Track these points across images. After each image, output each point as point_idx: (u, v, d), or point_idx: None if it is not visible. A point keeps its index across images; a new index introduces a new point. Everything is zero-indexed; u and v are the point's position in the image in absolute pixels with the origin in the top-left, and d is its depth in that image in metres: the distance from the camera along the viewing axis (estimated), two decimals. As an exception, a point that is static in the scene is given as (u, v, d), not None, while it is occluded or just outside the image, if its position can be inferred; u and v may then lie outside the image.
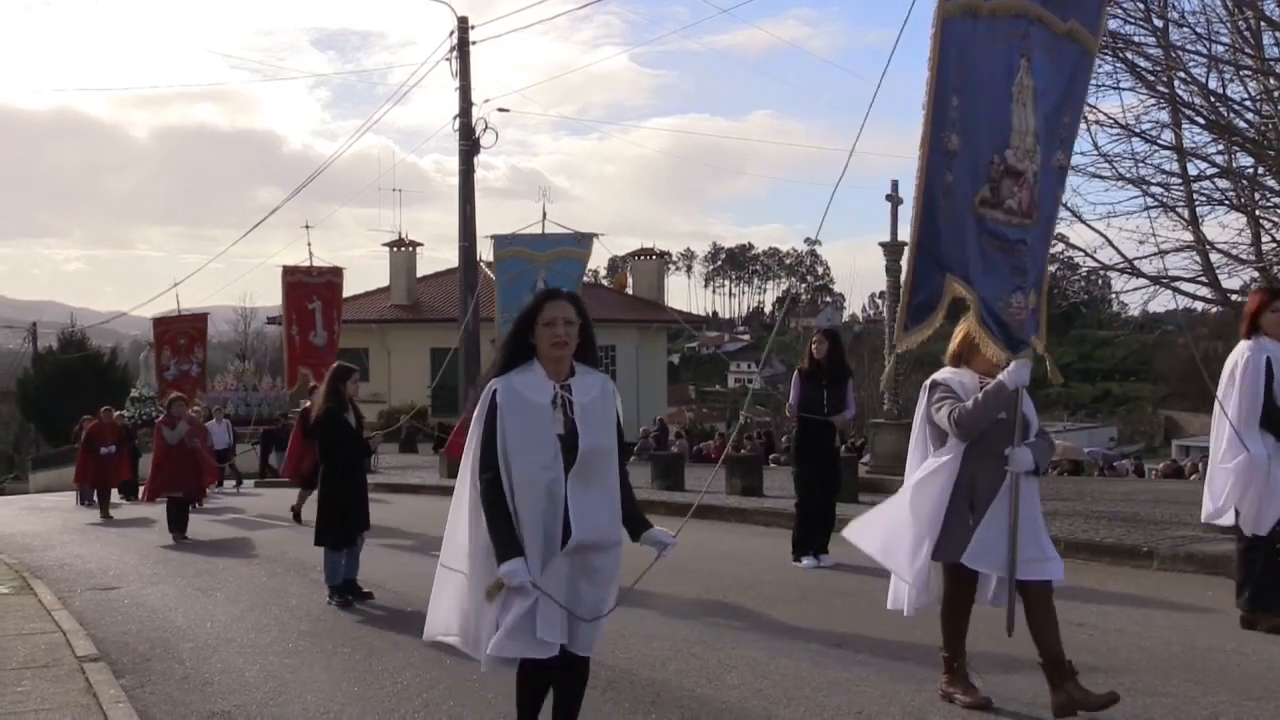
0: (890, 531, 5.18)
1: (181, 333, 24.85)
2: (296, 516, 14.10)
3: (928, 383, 5.20)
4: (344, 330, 38.39)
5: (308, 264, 20.27)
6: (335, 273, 20.49)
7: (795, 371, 9.95)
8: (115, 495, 18.36)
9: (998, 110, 4.89)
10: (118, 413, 20.50)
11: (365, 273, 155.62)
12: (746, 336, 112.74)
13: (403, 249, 37.58)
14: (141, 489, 20.57)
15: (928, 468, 5.06)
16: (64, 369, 46.33)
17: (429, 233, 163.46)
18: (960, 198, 4.80)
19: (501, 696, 5.69)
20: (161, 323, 25.35)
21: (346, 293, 42.38)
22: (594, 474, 3.98)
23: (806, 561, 9.43)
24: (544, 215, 13.33)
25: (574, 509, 3.90)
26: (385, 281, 38.97)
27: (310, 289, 19.20)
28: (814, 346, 9.63)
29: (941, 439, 5.07)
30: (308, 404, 12.72)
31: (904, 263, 6.15)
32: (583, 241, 12.34)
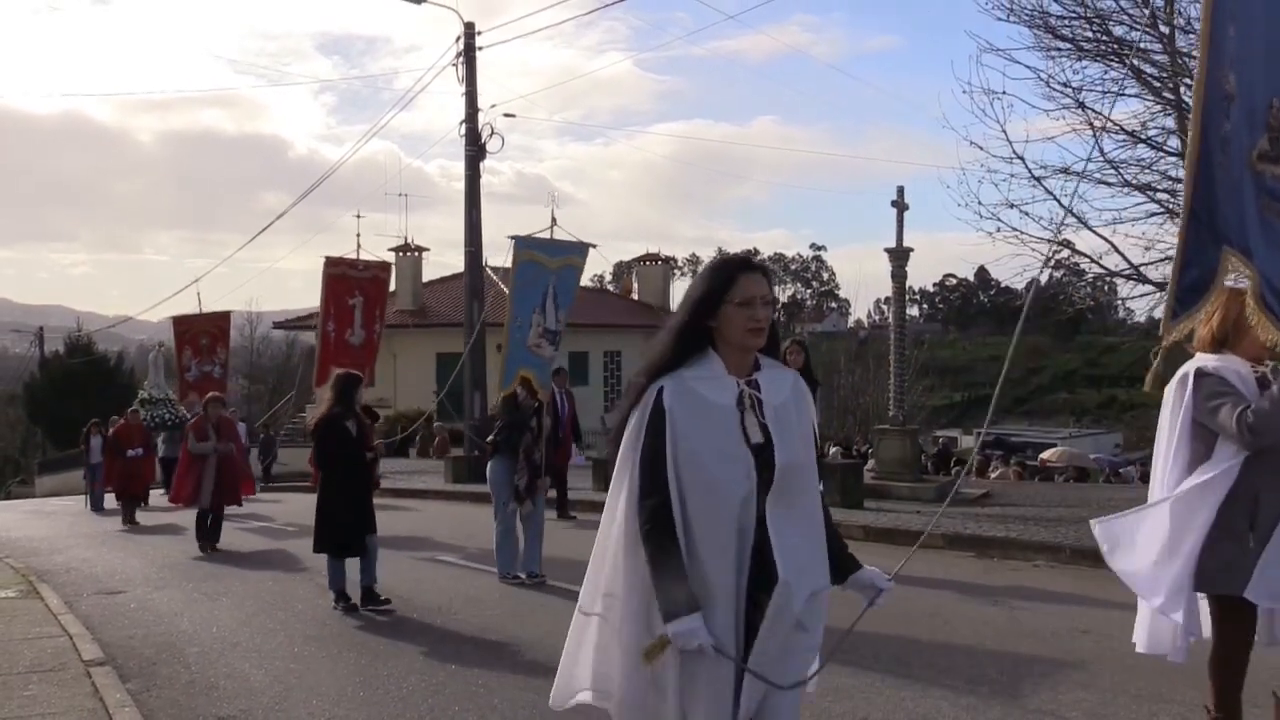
0: (1146, 553, 4.21)
1: (203, 332, 23.59)
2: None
3: (1189, 372, 4.16)
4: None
5: (353, 256, 18.57)
6: (382, 268, 18.58)
7: None
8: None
9: (1277, 43, 4.09)
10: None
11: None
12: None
13: (409, 254, 37.64)
14: (165, 492, 20.03)
15: (1198, 478, 4.07)
16: (70, 373, 46.46)
17: (434, 238, 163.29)
18: (1238, 152, 3.98)
19: (507, 702, 5.71)
20: (182, 321, 23.88)
21: None
22: (795, 496, 2.99)
23: None
24: (553, 221, 12.81)
25: (776, 542, 2.90)
26: (391, 286, 39.08)
27: (353, 284, 17.40)
28: (789, 357, 9.64)
29: (1211, 443, 4.08)
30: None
31: (1175, 235, 4.78)
32: (584, 251, 12.02)
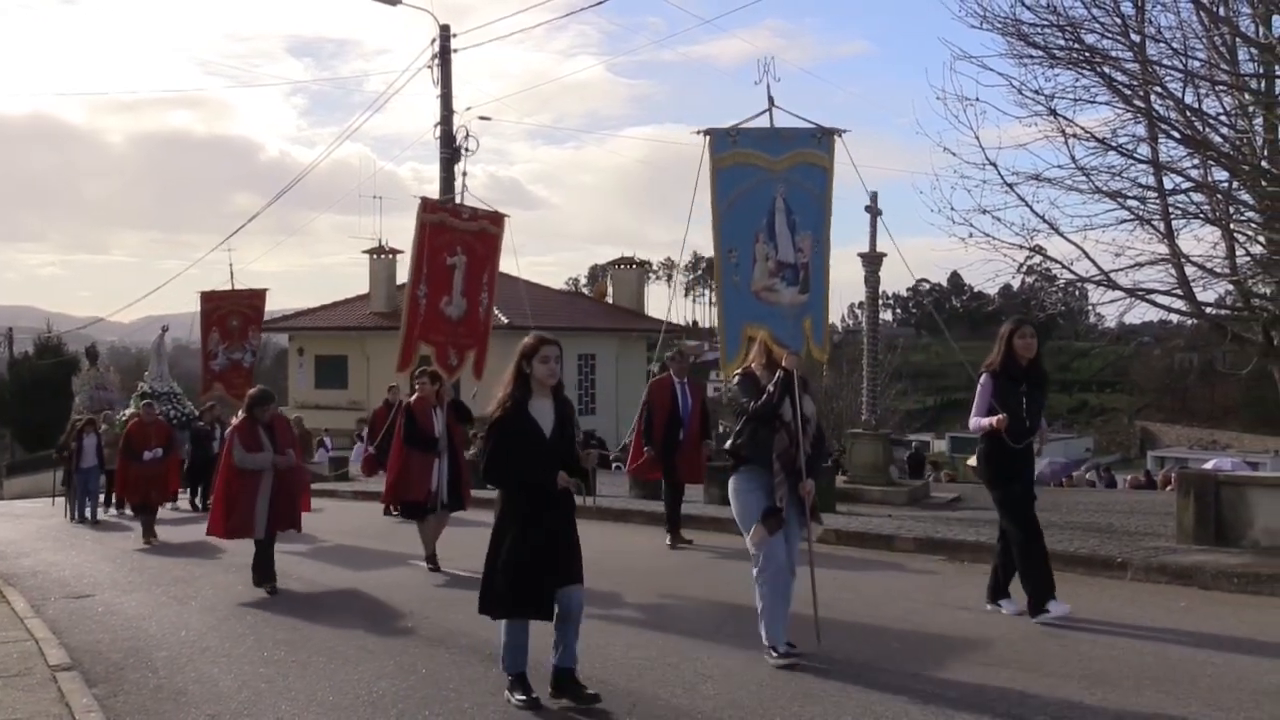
0: None
1: (234, 312, 19.90)
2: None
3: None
4: (322, 339, 38.69)
5: (455, 203, 14.05)
6: (494, 220, 13.31)
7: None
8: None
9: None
10: (138, 411, 16.49)
11: (344, 280, 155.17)
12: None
13: (383, 256, 37.53)
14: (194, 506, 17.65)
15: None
16: (40, 375, 45.99)
17: (408, 239, 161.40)
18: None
19: (477, 706, 5.70)
20: (211, 298, 20.16)
21: (323, 299, 41.63)
22: None
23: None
24: (770, 103, 7.88)
25: None
26: (365, 289, 38.96)
27: (455, 236, 12.82)
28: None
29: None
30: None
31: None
32: (823, 141, 8.02)
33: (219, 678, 6.51)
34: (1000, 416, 7.28)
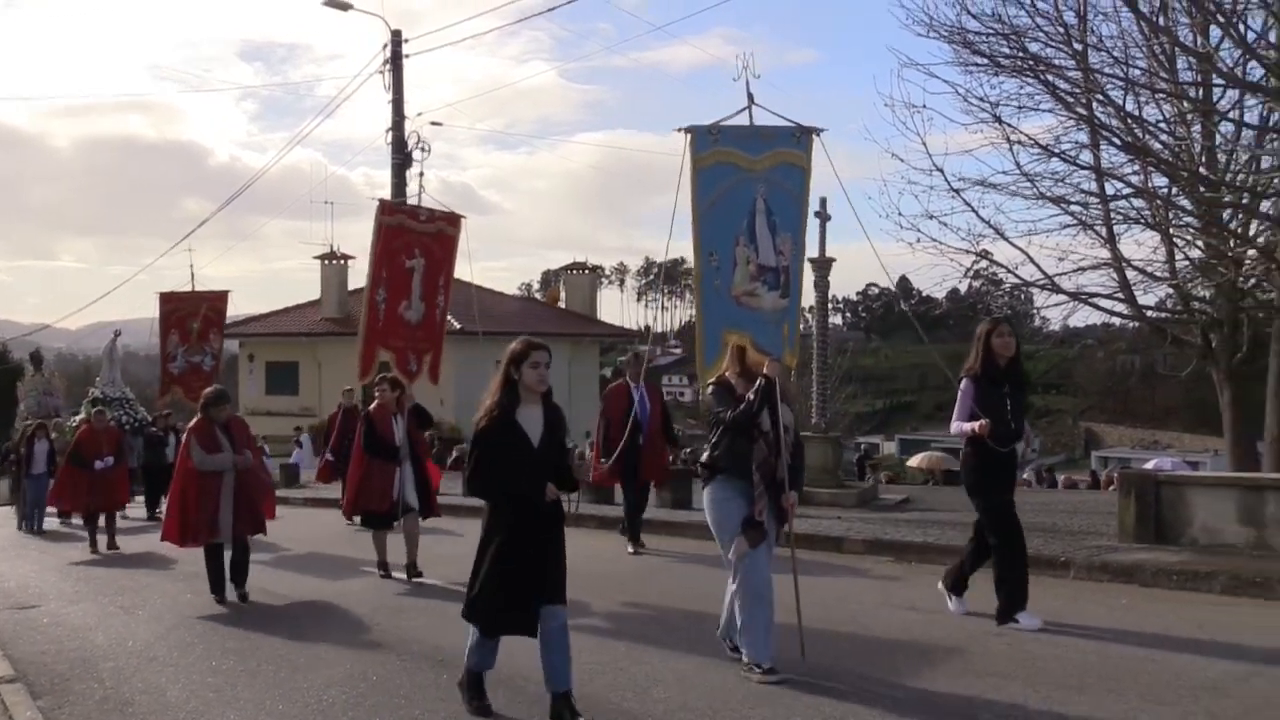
0: None
1: (194, 313, 19.48)
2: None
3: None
4: (273, 345, 38.27)
5: (413, 204, 13.59)
6: (450, 221, 13.01)
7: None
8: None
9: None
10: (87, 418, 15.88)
11: (296, 286, 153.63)
12: (679, 350, 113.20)
13: (334, 262, 37.30)
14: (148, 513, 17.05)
15: None
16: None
17: (359, 245, 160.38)
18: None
19: (427, 713, 5.70)
20: (171, 300, 19.73)
21: (274, 305, 41.00)
22: None
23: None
24: (750, 100, 7.56)
25: None
26: (317, 294, 38.71)
27: (413, 239, 12.53)
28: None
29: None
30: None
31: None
32: (801, 140, 7.80)
33: (166, 687, 6.44)
34: (983, 422, 7.12)
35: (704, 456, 6.46)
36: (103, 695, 6.34)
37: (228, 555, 9.35)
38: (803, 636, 6.43)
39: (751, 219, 7.47)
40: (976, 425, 7.16)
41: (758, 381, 6.22)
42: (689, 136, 7.35)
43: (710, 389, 6.52)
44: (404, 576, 9.99)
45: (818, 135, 7.85)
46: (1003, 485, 7.44)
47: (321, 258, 37.39)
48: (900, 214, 13.18)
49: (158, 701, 6.16)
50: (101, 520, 13.84)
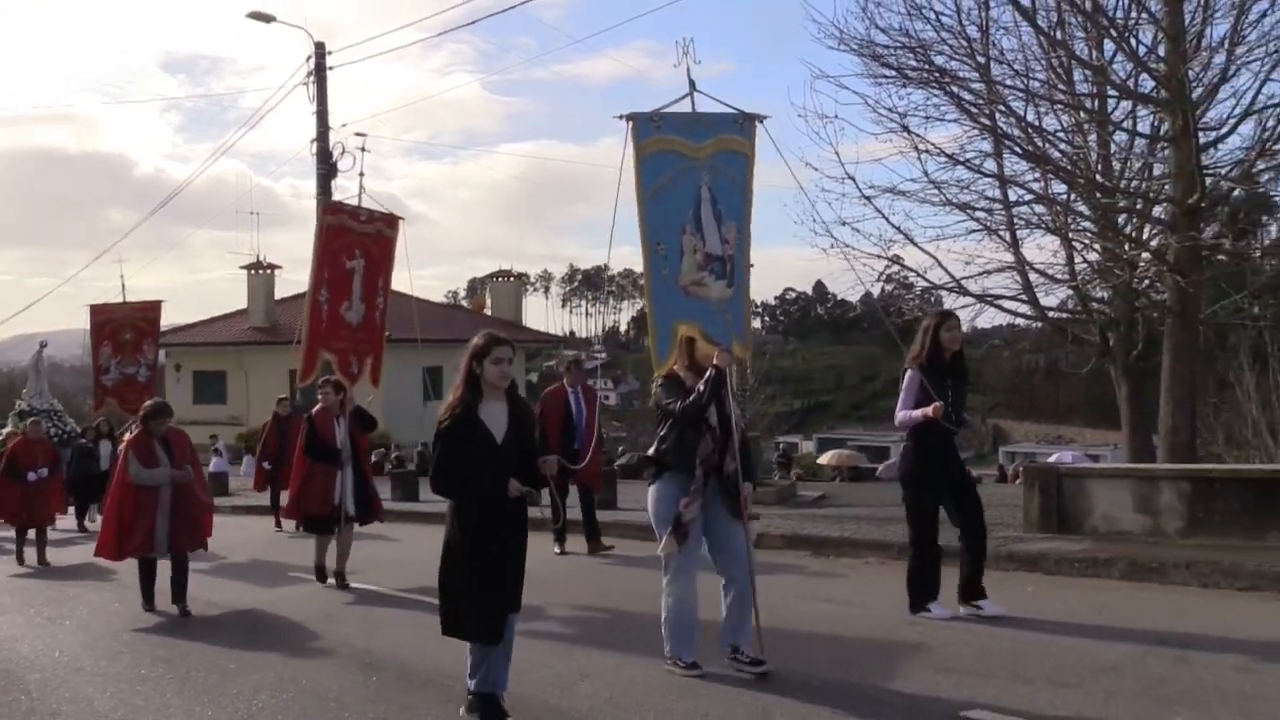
0: None
1: (127, 325, 19.02)
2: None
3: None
4: (200, 354, 37.54)
5: (355, 203, 13.32)
6: (389, 222, 12.95)
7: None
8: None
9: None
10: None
11: (222, 296, 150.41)
12: (603, 354, 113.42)
13: (261, 272, 36.89)
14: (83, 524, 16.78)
15: None
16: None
17: (286, 255, 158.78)
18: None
19: (356, 715, 5.78)
20: (101, 311, 19.40)
21: (202, 315, 40.35)
22: None
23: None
24: (692, 86, 7.44)
25: None
26: (243, 304, 38.33)
27: (353, 239, 12.38)
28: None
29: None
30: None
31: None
32: (744, 127, 7.69)
33: (94, 697, 6.43)
34: (936, 405, 7.21)
35: (650, 450, 6.42)
36: (29, 707, 6.30)
37: (162, 564, 9.25)
38: (760, 634, 6.42)
39: (697, 207, 7.33)
40: (930, 409, 7.26)
41: (707, 372, 6.21)
42: (630, 124, 7.17)
43: (659, 383, 6.49)
44: (356, 585, 9.99)
45: (760, 122, 7.78)
46: (938, 481, 7.53)
47: (248, 267, 37.02)
48: (815, 219, 13.47)
49: (85, 711, 6.15)
50: (31, 534, 13.43)
